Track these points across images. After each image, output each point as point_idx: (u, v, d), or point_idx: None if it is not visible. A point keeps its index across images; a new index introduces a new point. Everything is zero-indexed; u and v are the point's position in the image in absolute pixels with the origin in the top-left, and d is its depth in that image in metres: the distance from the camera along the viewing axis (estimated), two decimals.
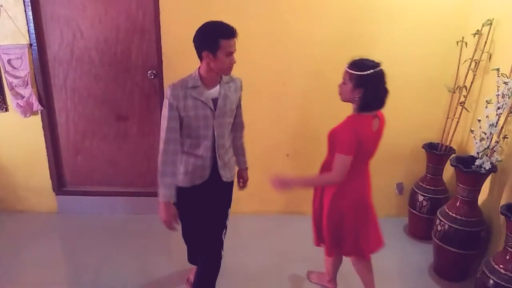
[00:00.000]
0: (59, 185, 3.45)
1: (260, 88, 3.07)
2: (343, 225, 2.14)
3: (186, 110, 1.94)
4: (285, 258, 2.89)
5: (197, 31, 1.98)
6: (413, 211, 3.13)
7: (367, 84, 1.95)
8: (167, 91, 1.96)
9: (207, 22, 1.98)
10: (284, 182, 2.09)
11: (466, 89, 2.91)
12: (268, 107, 3.19)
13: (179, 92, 1.94)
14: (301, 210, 3.27)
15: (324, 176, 2.13)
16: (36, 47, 3.07)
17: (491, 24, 2.70)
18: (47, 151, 3.32)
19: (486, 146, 2.48)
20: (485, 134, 2.49)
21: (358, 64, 1.96)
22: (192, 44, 2.00)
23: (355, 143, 1.94)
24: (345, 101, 2.08)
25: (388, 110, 3.20)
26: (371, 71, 1.94)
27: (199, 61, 2.03)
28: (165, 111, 1.95)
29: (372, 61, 1.97)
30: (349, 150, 1.95)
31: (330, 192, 2.12)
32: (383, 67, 2.01)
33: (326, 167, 2.12)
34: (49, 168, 3.37)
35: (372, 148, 2.09)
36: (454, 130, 3.02)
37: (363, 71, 1.94)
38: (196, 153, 2.03)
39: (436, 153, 3.01)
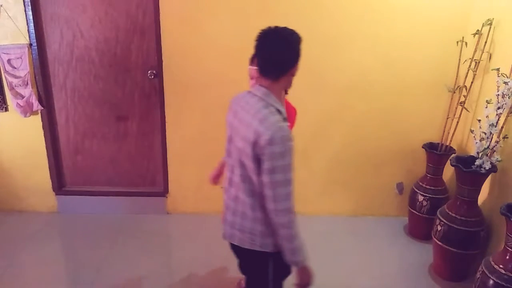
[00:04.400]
0: (59, 185, 3.45)
1: None
2: None
3: None
4: None
5: (293, 38, 1.55)
6: (413, 211, 3.13)
7: None
8: (286, 132, 1.47)
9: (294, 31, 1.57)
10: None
11: (466, 89, 2.91)
12: None
13: None
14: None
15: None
16: (36, 47, 3.07)
17: (491, 24, 2.70)
18: (47, 151, 3.32)
19: (486, 146, 2.47)
20: (485, 134, 2.49)
21: None
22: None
23: None
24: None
25: (389, 110, 3.23)
26: None
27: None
28: (289, 159, 1.48)
29: None
30: None
31: None
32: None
33: None
34: (49, 168, 3.37)
35: None
36: (454, 130, 3.02)
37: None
38: None
39: (436, 153, 3.01)
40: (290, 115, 2.07)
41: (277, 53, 1.53)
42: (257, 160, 1.51)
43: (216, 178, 2.25)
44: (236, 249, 1.74)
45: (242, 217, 1.64)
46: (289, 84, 1.65)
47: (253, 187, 1.58)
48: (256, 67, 1.63)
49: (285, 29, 1.55)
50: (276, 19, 2.96)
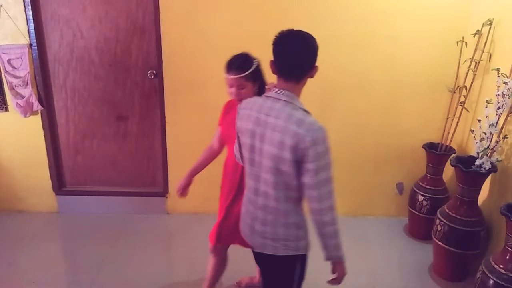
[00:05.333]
0: (59, 185, 3.44)
1: None
2: None
3: None
4: None
5: (312, 40, 1.60)
6: (413, 211, 3.13)
7: (259, 75, 2.01)
8: (325, 131, 1.49)
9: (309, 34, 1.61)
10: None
11: (466, 89, 2.91)
12: None
13: None
14: None
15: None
16: (36, 47, 3.07)
17: (491, 24, 2.70)
18: (47, 151, 3.32)
19: (486, 146, 2.47)
20: (485, 134, 2.49)
21: (242, 64, 1.94)
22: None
23: None
24: None
25: (389, 110, 3.23)
26: (256, 61, 1.98)
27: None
28: (329, 157, 1.51)
29: (244, 55, 1.99)
30: None
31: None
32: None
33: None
34: (49, 168, 3.37)
35: None
36: (454, 130, 3.02)
37: (252, 67, 1.96)
38: None
39: (436, 153, 3.01)
40: None
41: (301, 55, 1.54)
42: (297, 164, 1.49)
43: (185, 189, 2.26)
44: (263, 257, 1.70)
45: (274, 225, 1.61)
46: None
47: (289, 192, 1.56)
48: (235, 75, 1.87)
49: (303, 32, 1.57)
50: (276, 19, 2.98)
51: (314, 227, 1.56)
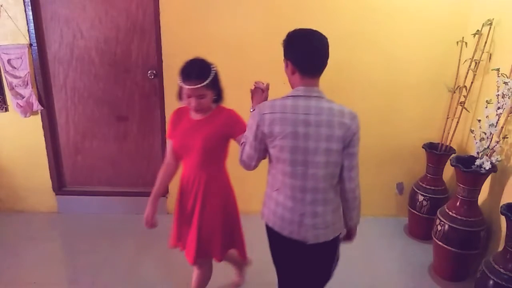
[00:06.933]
0: (59, 185, 3.45)
1: None
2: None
3: None
4: None
5: (326, 38, 1.66)
6: (413, 211, 3.13)
7: (218, 82, 1.94)
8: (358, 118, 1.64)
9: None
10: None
11: (466, 89, 2.91)
12: None
13: None
14: None
15: None
16: (36, 47, 3.07)
17: (491, 24, 2.70)
18: (47, 151, 3.32)
19: (486, 146, 2.48)
20: (485, 134, 2.49)
21: (201, 72, 1.84)
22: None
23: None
24: (206, 111, 1.97)
25: (389, 110, 3.23)
26: (214, 68, 1.90)
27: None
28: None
29: (200, 61, 1.89)
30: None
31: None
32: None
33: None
34: (49, 168, 3.37)
35: None
36: (454, 130, 3.02)
37: (212, 74, 1.87)
38: None
39: (436, 153, 3.01)
40: None
41: (325, 51, 1.62)
42: (342, 152, 1.62)
43: (153, 218, 2.17)
44: (309, 248, 1.71)
45: (324, 215, 1.69)
46: None
47: (333, 180, 1.67)
48: (195, 85, 1.79)
49: (315, 29, 1.64)
50: (276, 19, 2.98)
51: (347, 203, 1.72)
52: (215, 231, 2.08)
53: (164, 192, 2.16)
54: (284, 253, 1.82)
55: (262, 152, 1.70)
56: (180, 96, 1.96)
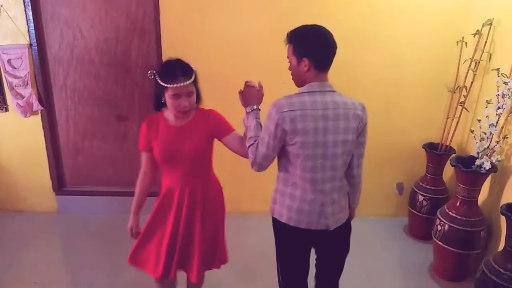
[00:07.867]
0: (59, 185, 3.45)
1: None
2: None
3: None
4: None
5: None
6: (413, 211, 3.13)
7: (197, 80, 1.89)
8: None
9: None
10: None
11: (466, 89, 2.91)
12: (267, 106, 3.18)
13: None
14: None
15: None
16: (36, 47, 3.07)
17: (491, 24, 2.70)
18: (47, 151, 3.32)
19: (486, 146, 2.48)
20: (485, 134, 2.49)
21: (185, 69, 1.81)
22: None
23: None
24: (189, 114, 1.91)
25: (389, 110, 3.23)
26: (192, 65, 1.88)
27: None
28: None
29: (179, 60, 1.85)
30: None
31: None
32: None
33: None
34: (49, 168, 3.37)
35: None
36: (454, 130, 3.02)
37: (194, 70, 1.85)
38: None
39: (436, 153, 3.01)
40: None
41: (336, 45, 1.65)
42: (355, 141, 1.73)
43: (138, 228, 2.12)
44: (330, 233, 1.76)
45: (339, 200, 1.77)
46: None
47: (345, 168, 1.76)
48: (185, 82, 1.75)
49: (319, 25, 1.67)
50: (276, 19, 2.98)
51: (353, 188, 1.83)
52: (215, 239, 2.08)
53: (143, 201, 2.14)
54: (298, 248, 1.80)
55: (277, 150, 1.69)
56: (158, 104, 1.86)
